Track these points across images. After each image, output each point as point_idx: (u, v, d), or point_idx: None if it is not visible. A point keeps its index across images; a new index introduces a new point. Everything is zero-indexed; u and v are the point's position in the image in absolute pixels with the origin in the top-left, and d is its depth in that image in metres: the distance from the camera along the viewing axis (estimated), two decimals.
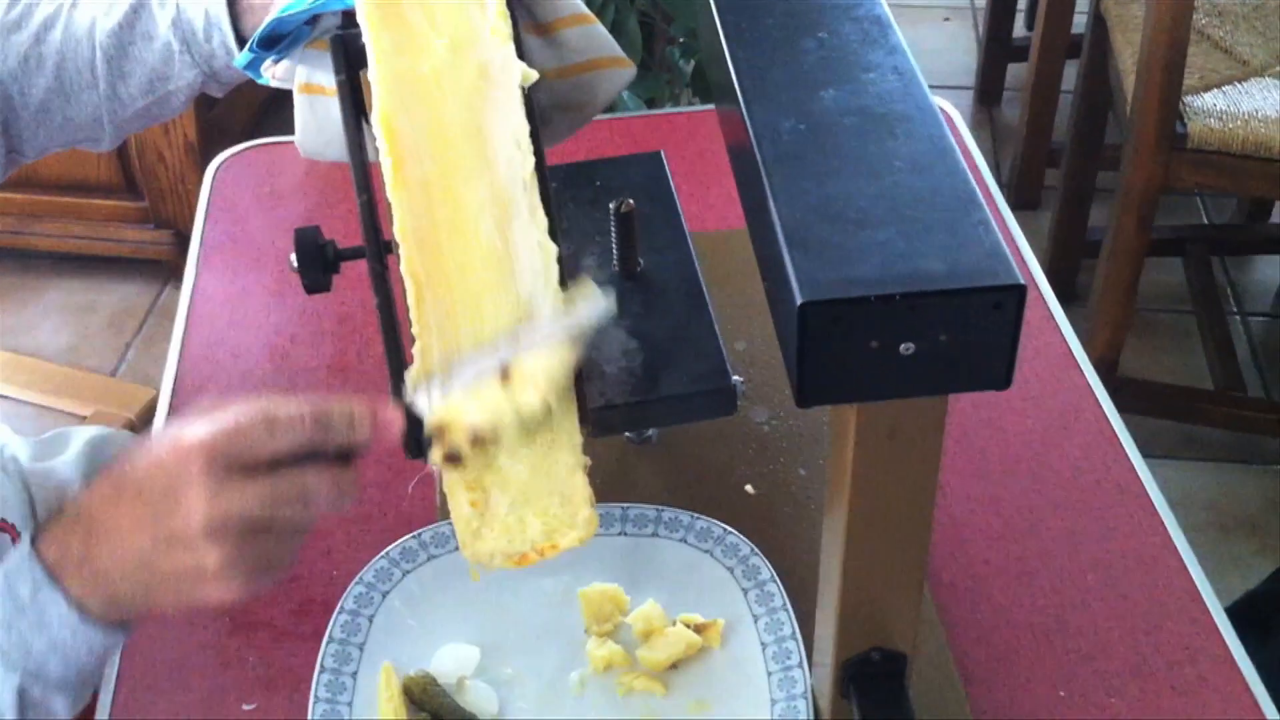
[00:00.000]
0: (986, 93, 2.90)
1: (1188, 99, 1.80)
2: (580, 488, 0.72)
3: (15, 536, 1.00)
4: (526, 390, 0.70)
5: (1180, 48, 1.68)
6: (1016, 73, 2.79)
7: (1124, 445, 1.03)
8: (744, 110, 0.72)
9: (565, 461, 0.72)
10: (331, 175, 1.32)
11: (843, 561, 0.71)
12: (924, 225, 0.64)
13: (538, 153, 0.73)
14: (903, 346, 0.62)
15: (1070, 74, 2.37)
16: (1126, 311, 1.91)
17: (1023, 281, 0.61)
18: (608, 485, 0.86)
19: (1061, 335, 1.12)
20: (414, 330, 0.74)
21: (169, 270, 2.54)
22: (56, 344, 2.44)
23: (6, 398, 2.31)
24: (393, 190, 0.73)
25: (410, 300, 0.73)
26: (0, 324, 2.49)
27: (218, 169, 1.34)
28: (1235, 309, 2.36)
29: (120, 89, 0.95)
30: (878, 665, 0.75)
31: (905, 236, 0.63)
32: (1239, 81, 1.86)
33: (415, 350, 0.74)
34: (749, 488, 0.98)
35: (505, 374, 0.70)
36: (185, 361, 1.13)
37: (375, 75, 0.75)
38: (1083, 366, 1.10)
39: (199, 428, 0.68)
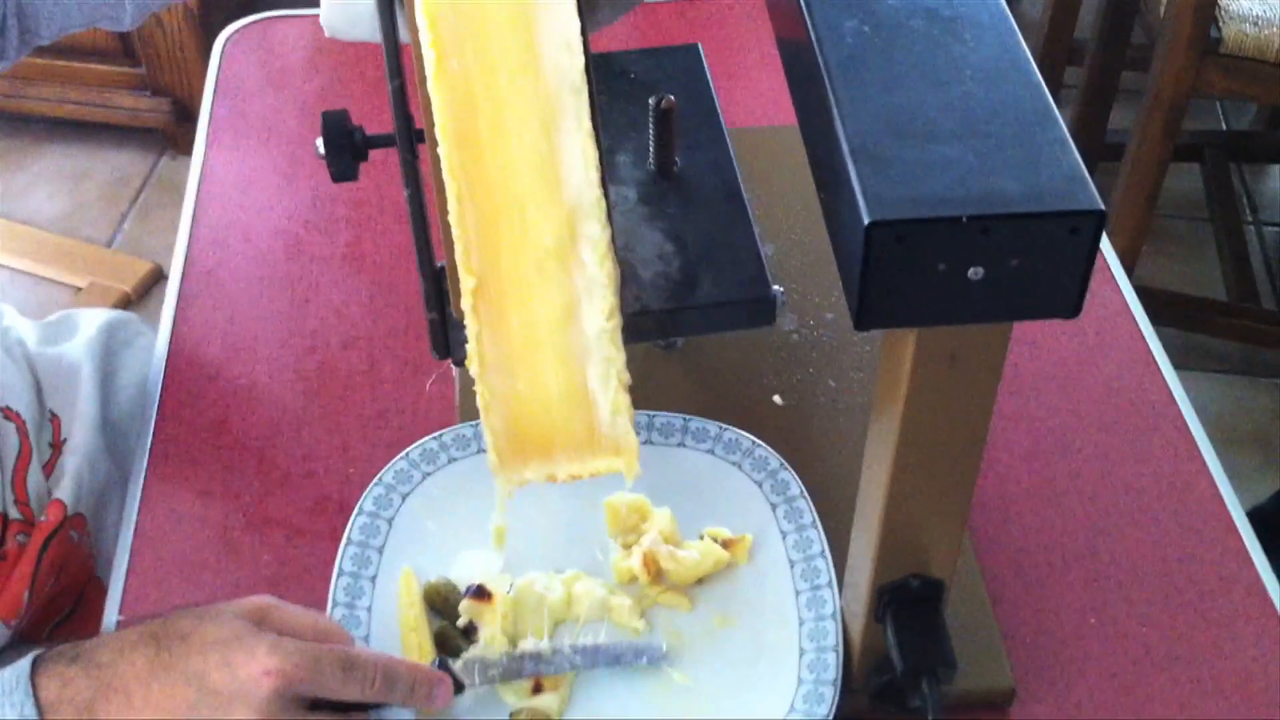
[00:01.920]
0: None
1: (1223, 2, 1.74)
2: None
3: (21, 424, 0.98)
4: None
5: None
6: None
7: (1159, 364, 1.00)
8: (804, 6, 0.68)
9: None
10: (344, 53, 1.27)
11: (888, 487, 0.68)
12: (997, 141, 0.60)
13: (586, 54, 0.69)
14: (971, 271, 0.59)
15: None
16: (1145, 219, 1.88)
17: (1102, 206, 0.58)
18: (632, 391, 0.84)
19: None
20: (454, 235, 0.70)
21: (165, 139, 2.49)
22: (51, 211, 2.39)
23: (2, 266, 2.27)
24: (434, 84, 0.69)
25: (450, 204, 0.69)
26: None
27: (225, 43, 1.29)
28: (1250, 218, 2.33)
29: None
30: (915, 591, 0.73)
31: (977, 153, 0.60)
32: None
33: (458, 257, 0.70)
34: (777, 398, 0.95)
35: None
36: (195, 244, 1.09)
37: None
38: (1119, 280, 1.07)
39: (278, 649, 0.69)
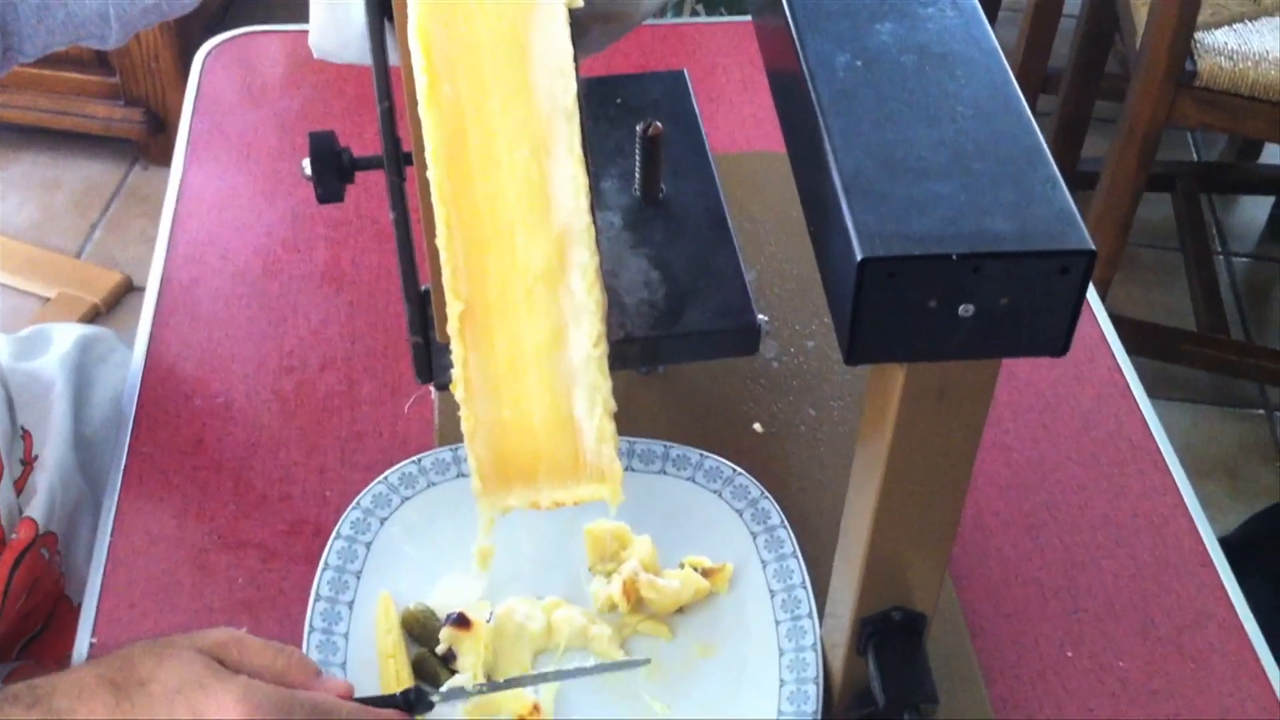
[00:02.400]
0: (984, 10, 2.84)
1: (1199, 35, 1.76)
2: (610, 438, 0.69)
3: None
4: None
5: None
6: None
7: (1136, 397, 1.01)
8: (796, 40, 0.68)
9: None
10: (325, 71, 1.26)
11: (873, 520, 0.68)
12: (989, 178, 0.61)
13: (578, 80, 0.69)
14: (962, 308, 0.59)
15: None
16: (1118, 248, 1.89)
17: (1093, 247, 0.58)
18: (614, 417, 0.83)
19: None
20: (442, 259, 0.69)
21: (138, 149, 2.47)
22: (20, 220, 2.37)
23: None
24: (426, 109, 0.69)
25: (439, 229, 0.69)
26: None
27: (205, 57, 1.28)
28: (1220, 248, 2.35)
29: None
30: (897, 624, 0.73)
31: (969, 190, 0.60)
32: (1250, 19, 1.82)
33: (445, 281, 0.69)
34: (757, 426, 0.95)
35: None
36: (171, 261, 1.08)
37: None
38: (1096, 313, 1.08)
39: (247, 697, 0.67)
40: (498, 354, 0.71)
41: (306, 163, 0.77)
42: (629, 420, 0.95)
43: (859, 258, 0.57)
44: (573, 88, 0.69)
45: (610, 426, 0.72)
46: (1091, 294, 1.07)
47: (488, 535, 0.74)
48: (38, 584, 0.97)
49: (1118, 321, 2.03)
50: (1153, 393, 2.04)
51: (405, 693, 0.75)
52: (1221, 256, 2.33)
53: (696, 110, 0.94)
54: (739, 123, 1.23)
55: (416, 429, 0.96)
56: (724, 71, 1.28)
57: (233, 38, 1.30)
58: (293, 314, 1.04)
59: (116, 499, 0.91)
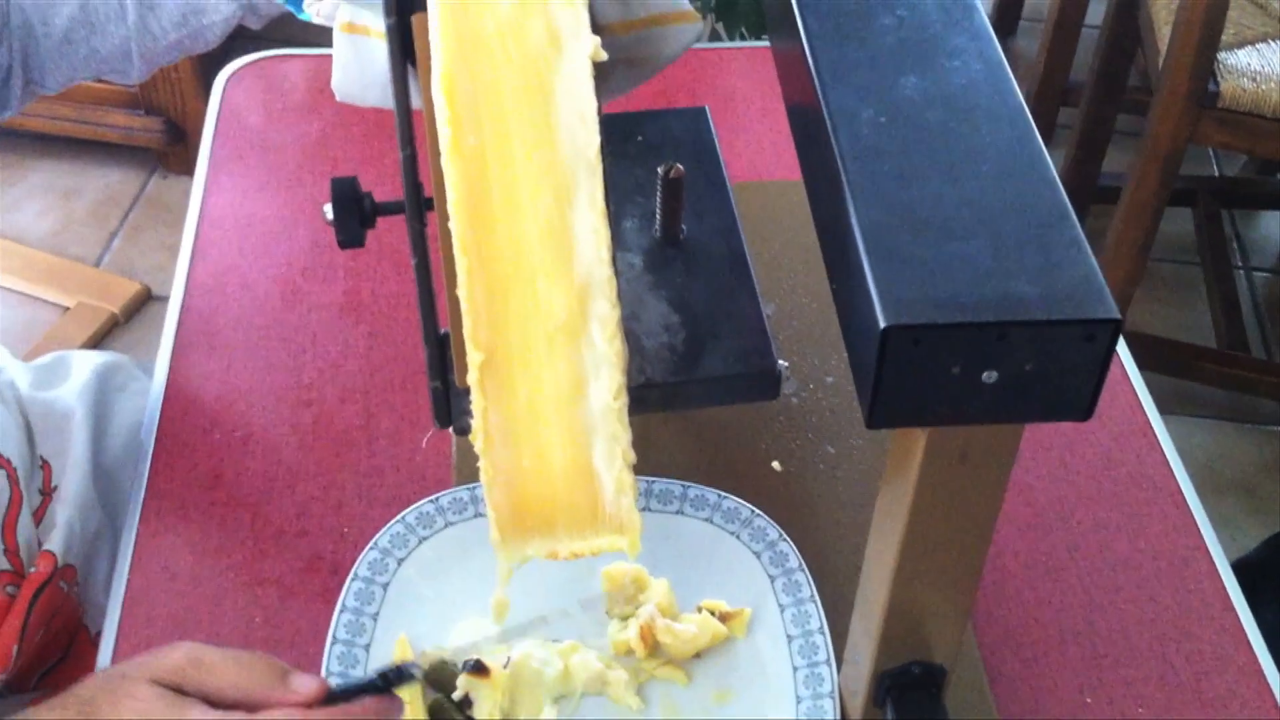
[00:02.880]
0: (1003, 21, 2.84)
1: (1221, 55, 1.75)
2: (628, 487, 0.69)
3: (12, 471, 0.97)
4: None
5: (1222, 6, 1.62)
6: (1036, 2, 2.72)
7: (1158, 436, 1.00)
8: (819, 91, 0.67)
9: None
10: None
11: (893, 576, 0.68)
12: (1014, 240, 0.60)
13: (601, 131, 0.69)
14: (985, 374, 0.59)
15: (1095, 9, 2.31)
16: (1138, 267, 1.88)
17: (1119, 315, 0.58)
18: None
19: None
20: (463, 309, 0.69)
21: (157, 158, 2.47)
22: (40, 228, 2.37)
23: None
24: (449, 159, 0.69)
25: (460, 278, 0.69)
26: None
27: (227, 80, 1.28)
28: (1241, 263, 2.33)
29: (150, 22, 0.90)
30: (916, 678, 0.73)
31: (993, 252, 0.60)
32: (1272, 40, 1.81)
33: (465, 331, 0.69)
34: (776, 464, 0.95)
35: None
36: (191, 291, 1.08)
37: (438, 30, 0.70)
38: (1118, 350, 1.07)
39: None
40: (518, 403, 0.70)
41: (328, 207, 0.77)
42: (646, 458, 0.94)
43: (882, 325, 0.56)
44: (596, 140, 0.69)
45: (630, 478, 0.71)
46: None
47: (505, 586, 0.74)
48: (56, 616, 0.97)
49: (1136, 339, 2.04)
50: (1171, 410, 2.05)
51: (384, 673, 0.70)
52: (1242, 271, 2.32)
53: (718, 148, 0.94)
54: (759, 150, 1.22)
55: (434, 464, 0.96)
56: (743, 98, 1.28)
57: (254, 61, 1.30)
58: (311, 345, 1.04)
59: (135, 535, 0.91)
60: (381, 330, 1.06)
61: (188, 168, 2.31)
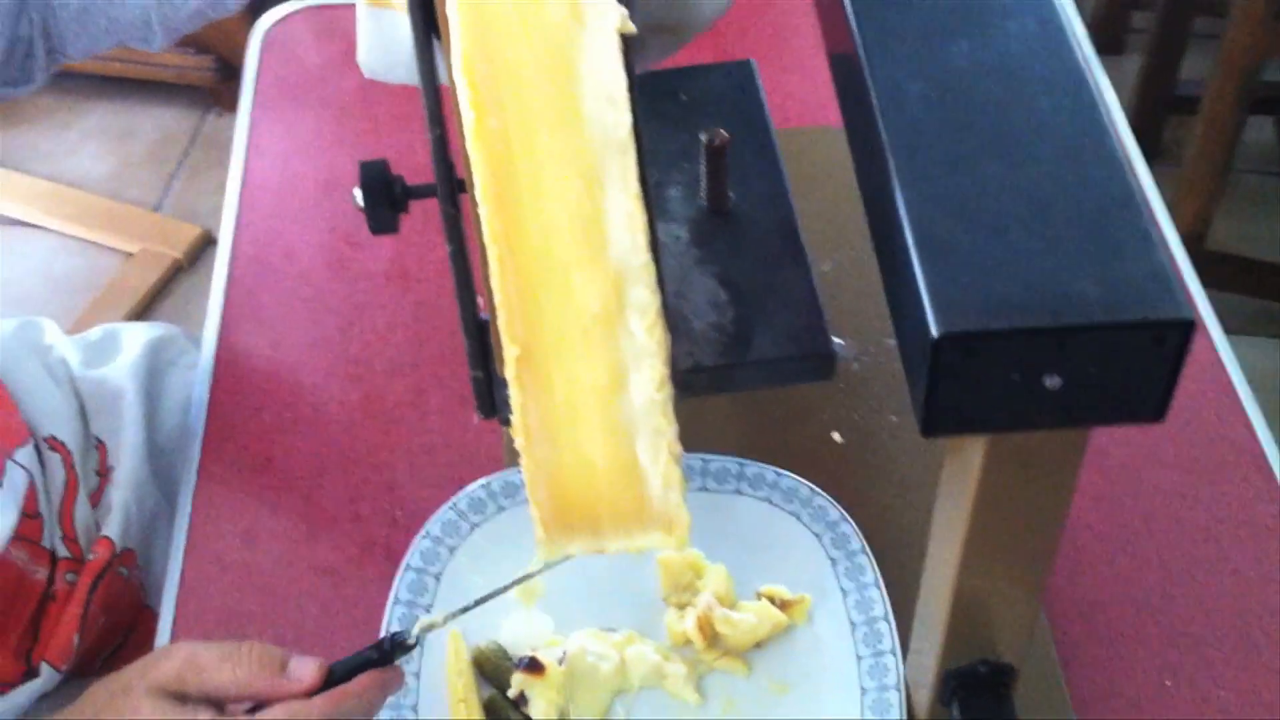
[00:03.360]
0: None
1: None
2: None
3: (67, 455, 0.96)
4: None
5: None
6: None
7: (1239, 394, 0.95)
8: (864, 61, 0.63)
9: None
10: None
11: (955, 582, 0.65)
12: (1075, 232, 0.56)
13: (633, 110, 0.65)
14: (1047, 380, 0.55)
15: None
16: (1218, 186, 1.80)
17: (1192, 317, 0.53)
18: (684, 428, 0.80)
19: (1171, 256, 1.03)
20: (496, 301, 0.66)
21: (210, 97, 2.45)
22: (98, 171, 2.37)
23: (51, 230, 2.26)
24: (474, 145, 0.65)
25: (492, 269, 0.66)
26: (41, 147, 2.42)
27: (267, 32, 1.25)
28: None
29: None
30: (984, 676, 0.70)
31: (1053, 247, 0.55)
32: None
33: (500, 324, 0.66)
34: (836, 435, 0.92)
35: None
36: (236, 263, 1.06)
37: (455, 12, 0.66)
38: (1198, 302, 1.01)
39: None
40: (556, 399, 0.68)
41: (358, 192, 0.74)
42: (701, 433, 0.92)
43: (935, 334, 0.53)
44: (626, 119, 0.65)
45: (677, 473, 0.69)
46: (1194, 285, 1.01)
47: (539, 569, 0.71)
48: (118, 601, 0.97)
49: (1216, 259, 1.96)
50: (1254, 330, 1.97)
51: (379, 643, 0.69)
52: None
53: (765, 107, 0.89)
54: (811, 91, 1.17)
55: (486, 441, 0.94)
56: (791, 35, 1.22)
57: (294, 12, 1.27)
58: (359, 317, 1.02)
59: (187, 523, 0.91)
60: (429, 299, 1.03)
61: None
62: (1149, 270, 0.54)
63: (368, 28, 0.80)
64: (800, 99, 1.16)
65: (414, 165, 1.05)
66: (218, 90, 2.42)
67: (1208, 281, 1.01)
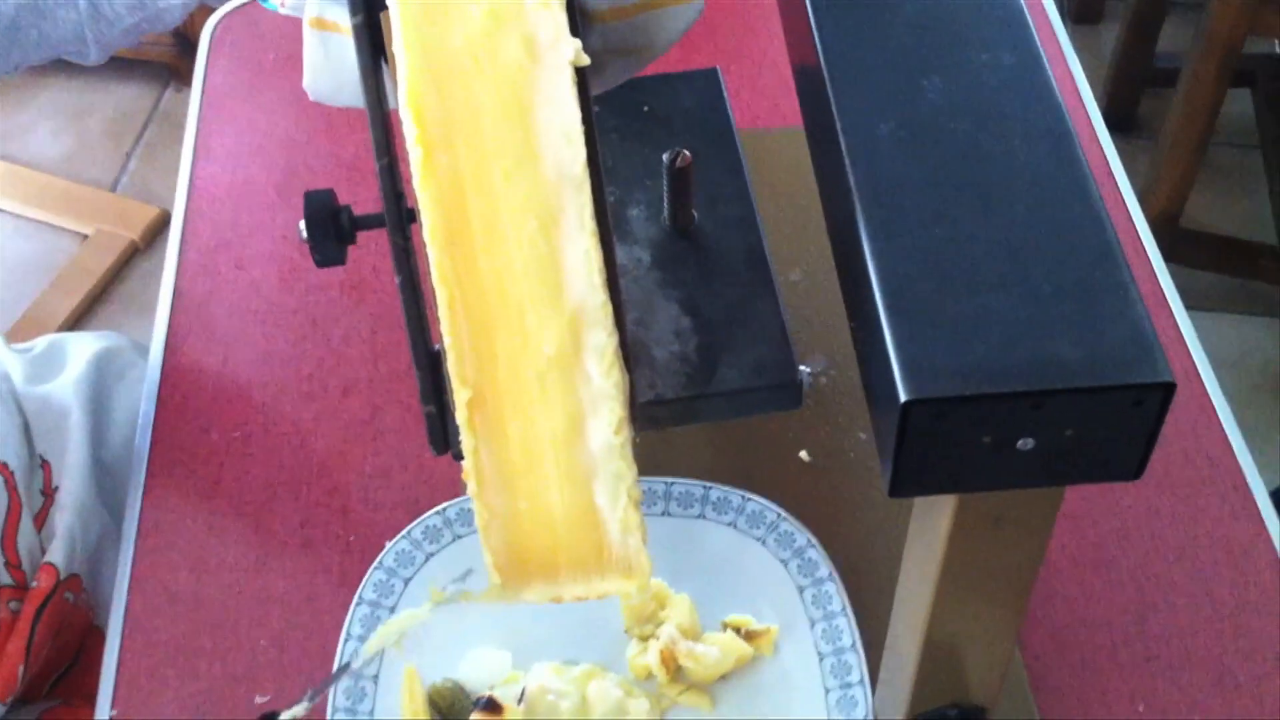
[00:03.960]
0: None
1: None
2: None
3: (10, 477, 0.93)
4: None
5: None
6: None
7: (1215, 406, 0.93)
8: (832, 98, 0.60)
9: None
10: None
11: (925, 628, 0.63)
12: (1052, 288, 0.53)
13: (590, 144, 0.62)
14: (1020, 442, 0.52)
15: None
16: (1195, 163, 1.78)
17: (1172, 379, 0.51)
18: (646, 448, 0.78)
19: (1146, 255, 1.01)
20: (447, 343, 0.64)
21: (169, 72, 2.40)
22: (54, 151, 2.32)
23: (5, 212, 2.21)
24: (421, 183, 0.62)
25: (442, 310, 0.63)
26: None
27: (214, 31, 1.21)
28: None
29: (103, 6, 0.83)
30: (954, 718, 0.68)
31: (1029, 304, 0.53)
32: None
33: (451, 367, 0.64)
34: (804, 454, 0.89)
35: None
36: (183, 274, 1.03)
37: (401, 48, 0.63)
38: (1175, 312, 0.98)
39: None
40: (510, 444, 0.65)
41: (303, 225, 0.71)
42: (664, 454, 0.89)
43: (903, 399, 0.50)
44: (582, 156, 0.62)
45: (636, 517, 0.66)
46: (1169, 289, 0.98)
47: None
48: (64, 628, 0.94)
49: (1193, 238, 1.94)
50: (1230, 308, 1.95)
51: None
52: None
53: (731, 118, 0.86)
54: (777, 90, 1.14)
55: (443, 463, 0.91)
56: (753, 33, 1.19)
57: (238, 8, 1.23)
58: (311, 331, 0.99)
59: (132, 552, 0.87)
60: (384, 313, 1.00)
61: None
62: (1128, 330, 0.52)
63: (314, 50, 0.76)
64: (769, 97, 1.13)
65: (371, 168, 1.01)
66: (176, 65, 2.36)
67: (1183, 260, 0.98)
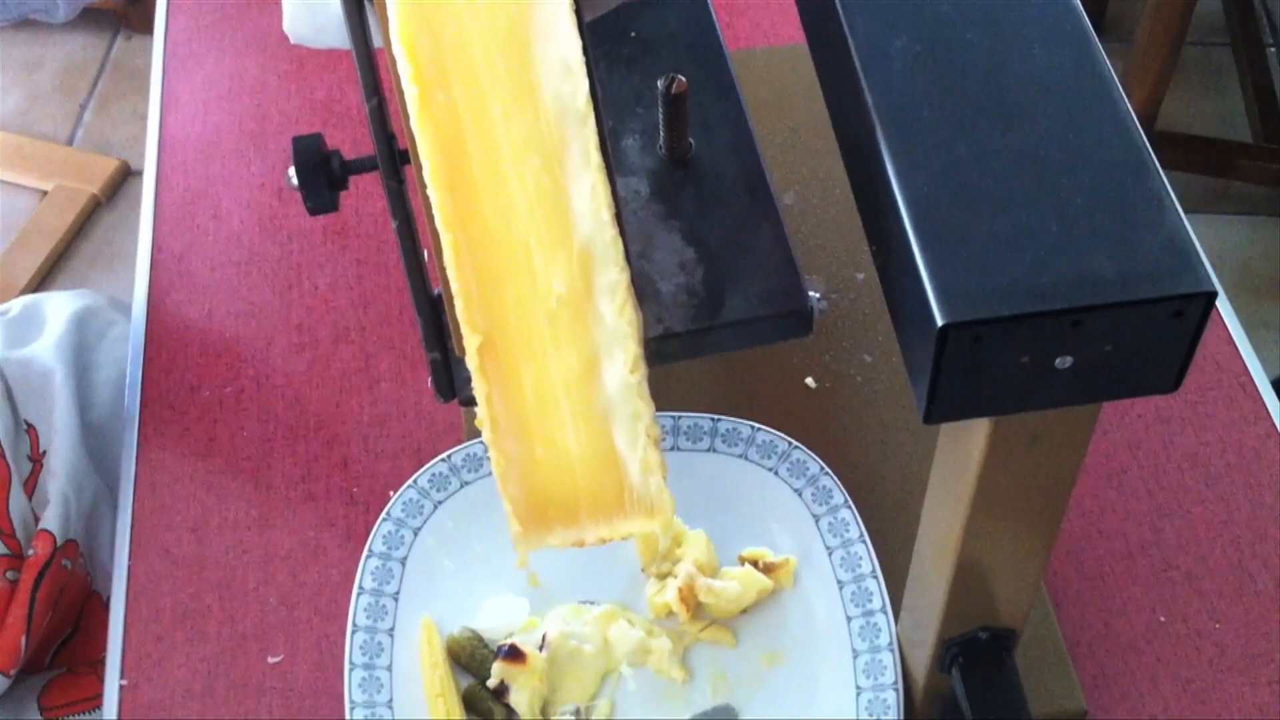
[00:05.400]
0: None
1: None
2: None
3: None
4: None
5: None
6: None
7: (1220, 311, 0.92)
8: (841, 17, 0.58)
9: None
10: None
11: (956, 555, 0.62)
12: (1083, 201, 0.52)
13: (590, 76, 0.60)
14: (1059, 360, 0.51)
15: None
16: (1169, 65, 1.76)
17: (1214, 288, 0.49)
18: (651, 387, 0.76)
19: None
20: (453, 289, 0.61)
21: (117, 20, 2.33)
22: (4, 107, 2.26)
23: None
24: (418, 125, 0.60)
25: (447, 255, 0.61)
26: None
27: None
28: (1273, 41, 2.20)
29: None
30: (984, 643, 0.68)
31: (1062, 220, 0.51)
32: None
33: (459, 313, 0.61)
34: (810, 381, 0.88)
35: None
36: (160, 227, 1.00)
37: None
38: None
39: None
40: (524, 389, 0.63)
41: (292, 172, 0.68)
42: (669, 386, 0.88)
43: (940, 323, 0.49)
44: (584, 87, 0.60)
45: (656, 456, 0.65)
46: None
47: (525, 564, 0.68)
48: (63, 594, 0.92)
49: (1168, 139, 1.93)
50: (1208, 208, 1.95)
51: None
52: (1275, 51, 2.18)
53: (722, 40, 0.84)
54: (764, 9, 1.11)
55: (441, 407, 0.90)
56: None
57: None
58: (297, 280, 0.96)
59: (130, 518, 0.85)
60: (370, 257, 0.97)
61: (150, 26, 2.19)
62: (1165, 239, 0.51)
63: None
64: (750, 17, 1.10)
65: (346, 108, 0.99)
66: (124, 13, 2.30)
67: (1161, 163, 0.97)
